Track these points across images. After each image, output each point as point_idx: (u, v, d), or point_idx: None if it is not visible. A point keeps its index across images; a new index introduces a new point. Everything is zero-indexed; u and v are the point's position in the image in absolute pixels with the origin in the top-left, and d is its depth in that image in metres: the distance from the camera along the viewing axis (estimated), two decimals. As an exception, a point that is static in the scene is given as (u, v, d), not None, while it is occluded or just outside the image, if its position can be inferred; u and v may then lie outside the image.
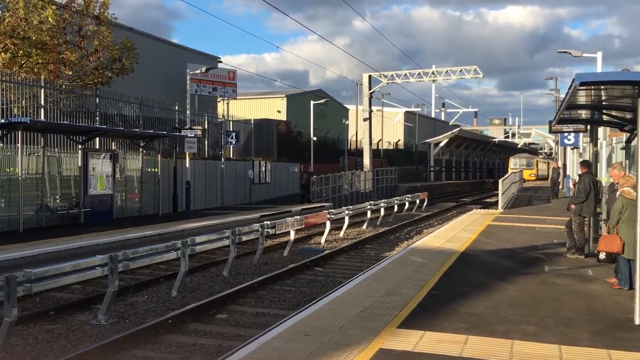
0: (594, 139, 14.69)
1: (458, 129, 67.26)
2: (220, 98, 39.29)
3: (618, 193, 9.20)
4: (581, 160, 15.54)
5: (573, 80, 7.06)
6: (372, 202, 24.56)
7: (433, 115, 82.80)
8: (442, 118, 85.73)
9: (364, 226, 22.55)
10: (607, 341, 6.53)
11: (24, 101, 19.50)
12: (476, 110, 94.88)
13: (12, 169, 17.57)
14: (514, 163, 61.43)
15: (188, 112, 26.85)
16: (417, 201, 30.29)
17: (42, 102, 19.85)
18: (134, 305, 10.30)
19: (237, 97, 41.93)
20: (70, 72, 22.77)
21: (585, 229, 12.31)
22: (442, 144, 60.92)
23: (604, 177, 15.31)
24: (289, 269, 13.20)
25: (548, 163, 71.15)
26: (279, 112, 50.95)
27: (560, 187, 31.44)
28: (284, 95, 52.63)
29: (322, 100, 44.13)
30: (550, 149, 77.94)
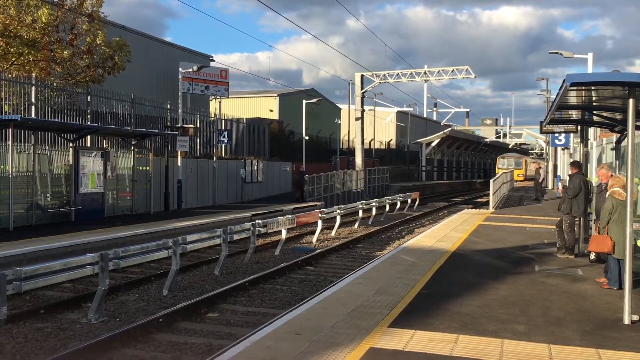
0: (584, 140, 14.76)
1: (450, 129, 67.37)
2: (213, 97, 39.22)
3: (608, 194, 9.25)
4: (571, 160, 15.61)
5: (564, 81, 7.09)
6: (364, 201, 24.58)
7: (425, 115, 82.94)
8: (434, 118, 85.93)
9: (356, 225, 22.57)
10: (597, 340, 6.57)
11: (14, 99, 19.40)
12: (468, 110, 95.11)
13: (2, 166, 17.47)
14: (502, 163, 60.69)
15: (180, 110, 26.77)
16: (409, 201, 30.36)
17: (33, 100, 19.75)
18: (124, 304, 10.27)
19: (230, 96, 41.86)
20: (62, 70, 22.66)
21: (575, 229, 12.38)
22: (433, 144, 61.02)
23: (594, 177, 15.39)
24: (280, 268, 13.20)
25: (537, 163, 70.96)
26: (271, 111, 50.91)
27: (543, 186, 31.49)
28: (277, 95, 52.60)
29: (314, 100, 44.14)
30: (541, 149, 78.20)
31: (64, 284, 11.22)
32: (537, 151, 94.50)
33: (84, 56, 23.22)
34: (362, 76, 42.02)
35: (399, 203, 28.36)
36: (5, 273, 7.48)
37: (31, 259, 12.02)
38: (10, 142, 17.18)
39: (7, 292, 7.43)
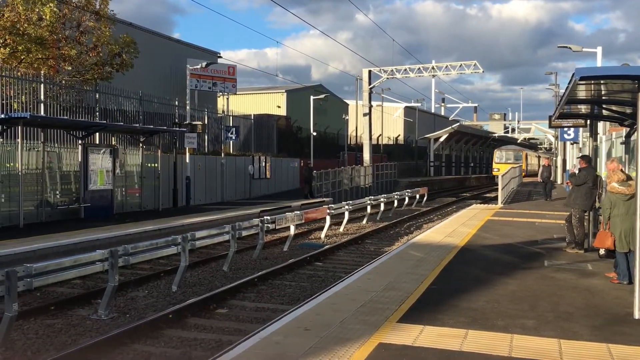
0: (593, 134, 14.68)
1: (458, 124, 66.99)
2: (220, 93, 39.28)
3: (607, 189, 9.31)
4: (581, 154, 15.53)
5: (573, 75, 7.06)
6: (372, 197, 24.56)
7: (433, 111, 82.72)
8: (442, 113, 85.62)
9: (364, 221, 22.56)
10: (606, 335, 6.54)
11: (23, 96, 19.49)
12: (476, 105, 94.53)
13: (12, 164, 17.57)
14: (500, 157, 56.93)
15: (188, 107, 26.83)
16: (417, 196, 30.30)
17: (42, 98, 19.84)
18: (134, 300, 10.32)
19: (237, 93, 41.92)
20: (70, 68, 22.76)
21: (585, 223, 12.33)
22: (442, 139, 60.84)
23: (603, 172, 15.32)
24: (289, 264, 13.21)
25: (539, 157, 69.43)
26: (279, 107, 50.93)
27: (552, 187, 30.32)
28: (284, 91, 52.60)
29: (322, 96, 44.10)
30: (550, 144, 77.67)
31: (74, 281, 11.29)
32: (545, 146, 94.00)
33: (91, 54, 23.30)
34: (369, 72, 41.93)
35: (407, 199, 28.30)
36: (16, 270, 7.52)
37: (41, 255, 12.08)
38: (19, 140, 17.28)
39: (18, 289, 7.46)
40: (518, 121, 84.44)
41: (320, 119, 44.59)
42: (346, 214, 20.40)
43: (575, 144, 35.81)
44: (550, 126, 25.65)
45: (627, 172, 10.26)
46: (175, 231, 15.35)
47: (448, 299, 8.16)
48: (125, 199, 22.01)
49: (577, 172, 12.68)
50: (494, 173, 54.98)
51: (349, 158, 45.03)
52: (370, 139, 42.61)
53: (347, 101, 62.20)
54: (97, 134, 21.25)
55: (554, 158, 49.66)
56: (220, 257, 14.15)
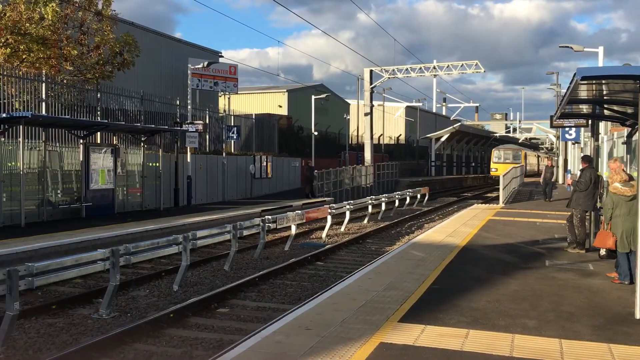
0: (595, 134, 14.68)
1: (459, 123, 66.90)
2: (222, 93, 39.29)
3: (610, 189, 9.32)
4: (582, 155, 15.54)
5: (574, 74, 7.06)
6: (373, 196, 24.54)
7: (434, 110, 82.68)
8: (444, 113, 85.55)
9: (365, 221, 22.56)
10: (608, 335, 6.54)
11: (25, 96, 19.50)
12: (477, 105, 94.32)
13: (13, 163, 17.57)
14: (498, 156, 55.67)
15: (189, 106, 26.83)
16: (418, 196, 30.31)
17: (44, 97, 19.84)
18: (135, 299, 10.33)
19: (239, 92, 41.93)
20: (71, 67, 22.77)
21: (586, 223, 12.32)
22: (443, 139, 60.78)
23: (604, 172, 15.31)
24: (290, 264, 13.21)
25: (539, 157, 68.94)
26: (280, 106, 50.95)
27: (553, 188, 29.81)
28: (285, 90, 52.62)
29: (323, 95, 44.11)
30: (552, 143, 77.55)
31: (75, 280, 11.30)
32: (547, 146, 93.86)
33: (93, 54, 23.30)
34: (371, 71, 41.94)
35: (408, 198, 28.30)
36: (17, 269, 7.53)
37: (43, 254, 12.10)
38: (21, 139, 17.28)
39: (19, 288, 7.47)
40: (519, 121, 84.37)
41: (321, 119, 44.61)
42: (347, 213, 20.40)
43: (576, 144, 35.80)
44: (552, 126, 25.62)
45: (628, 172, 10.26)
46: (177, 230, 15.37)
47: (449, 298, 8.16)
48: (126, 199, 22.02)
49: (578, 175, 12.68)
50: (492, 173, 54.76)
51: (350, 157, 45.04)
52: (372, 138, 42.61)
53: (349, 101, 62.21)
54: (99, 133, 21.25)
55: (555, 158, 49.54)
56: (221, 257, 14.16)
